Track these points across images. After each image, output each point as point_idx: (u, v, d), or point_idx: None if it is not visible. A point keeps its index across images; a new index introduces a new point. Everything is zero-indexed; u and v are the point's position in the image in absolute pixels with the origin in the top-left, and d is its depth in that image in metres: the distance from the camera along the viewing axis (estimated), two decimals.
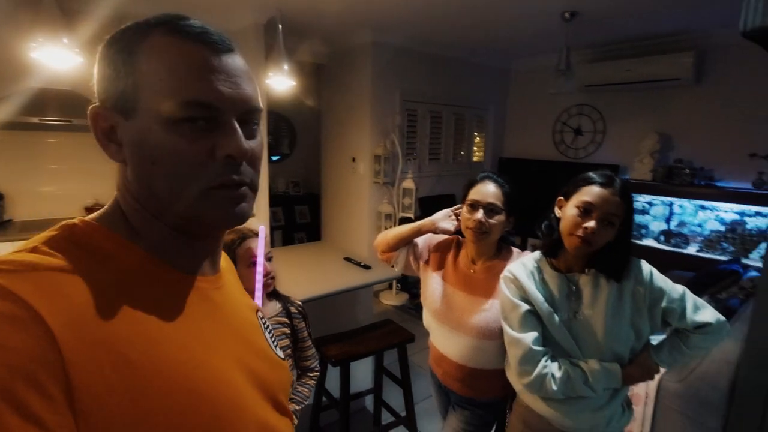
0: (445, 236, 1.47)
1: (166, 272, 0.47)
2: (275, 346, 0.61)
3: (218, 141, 0.44)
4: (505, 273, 1.18)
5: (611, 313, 1.06)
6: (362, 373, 2.23)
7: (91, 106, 0.45)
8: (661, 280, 1.09)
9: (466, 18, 3.14)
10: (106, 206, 0.49)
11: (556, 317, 1.10)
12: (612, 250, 1.07)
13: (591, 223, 1.03)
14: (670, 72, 3.43)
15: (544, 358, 1.08)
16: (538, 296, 1.11)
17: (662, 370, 1.54)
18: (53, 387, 0.33)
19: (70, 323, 0.36)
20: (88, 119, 0.46)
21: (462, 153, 4.77)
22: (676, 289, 1.08)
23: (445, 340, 1.36)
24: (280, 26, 2.58)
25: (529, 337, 1.09)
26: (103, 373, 0.36)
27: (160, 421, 0.38)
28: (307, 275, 2.09)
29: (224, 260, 0.60)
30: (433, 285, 1.40)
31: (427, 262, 1.46)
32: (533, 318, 1.11)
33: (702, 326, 1.05)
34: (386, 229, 3.87)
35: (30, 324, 0.34)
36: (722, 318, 1.06)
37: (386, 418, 2.15)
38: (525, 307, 1.11)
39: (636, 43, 3.69)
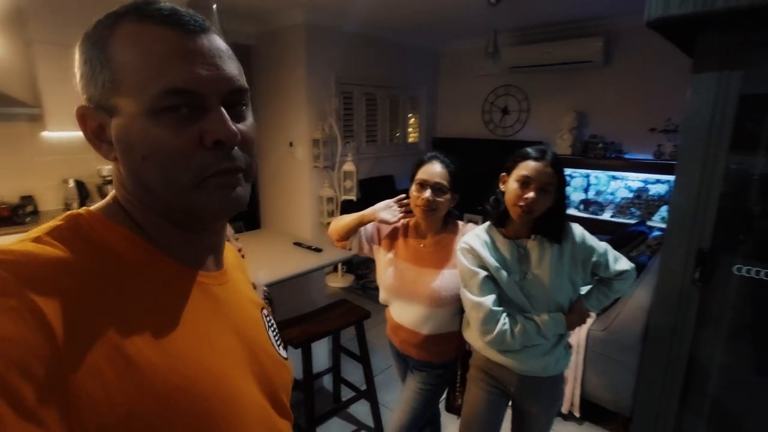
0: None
1: (169, 266, 0.46)
2: (278, 345, 0.60)
3: (205, 127, 0.42)
4: (462, 245, 1.30)
5: (555, 271, 1.22)
6: (319, 353, 2.27)
7: (77, 107, 0.44)
8: (590, 239, 1.28)
9: (398, 0, 3.18)
10: (107, 199, 0.48)
11: (510, 279, 1.24)
12: (551, 216, 1.23)
13: (530, 194, 1.17)
14: (583, 55, 3.75)
15: (503, 317, 1.22)
16: (492, 262, 1.24)
17: (592, 316, 1.75)
18: (48, 380, 0.32)
19: (68, 317, 0.35)
20: (76, 120, 0.44)
21: (398, 134, 4.87)
22: (601, 246, 1.28)
23: (402, 311, 1.45)
24: (215, 6, 2.44)
25: (489, 299, 1.22)
26: (99, 369, 0.35)
27: (155, 419, 0.37)
28: (262, 262, 2.07)
29: (233, 256, 0.59)
30: (386, 264, 1.48)
31: (379, 244, 1.53)
32: (490, 282, 1.24)
33: (621, 273, 1.27)
34: (329, 213, 3.89)
35: (28, 316, 0.33)
36: (633, 265, 1.30)
37: (345, 394, 2.23)
38: (483, 273, 1.24)
39: (554, 27, 3.98)
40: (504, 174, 1.27)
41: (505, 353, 1.27)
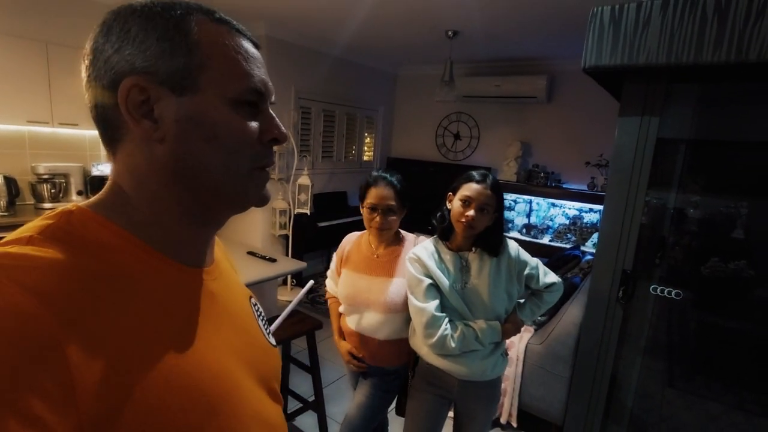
0: (350, 241, 1.62)
1: (164, 264, 0.46)
2: (267, 333, 0.61)
3: (263, 126, 0.48)
4: (410, 255, 1.41)
5: (492, 282, 1.36)
6: None
7: (130, 77, 0.42)
8: (523, 254, 1.44)
9: (359, 24, 3.31)
10: (102, 193, 0.47)
11: (452, 287, 1.36)
12: (490, 232, 1.38)
13: (470, 212, 1.32)
14: (529, 90, 4.07)
15: (444, 322, 1.33)
16: (437, 271, 1.35)
17: (526, 326, 1.89)
18: (54, 387, 0.32)
19: (69, 321, 0.35)
20: (122, 90, 0.42)
21: (353, 152, 4.96)
22: (533, 260, 1.45)
23: (357, 319, 1.52)
24: None
25: (432, 305, 1.33)
26: (101, 371, 0.35)
27: (159, 417, 0.38)
28: None
29: (218, 248, 0.61)
30: (343, 277, 1.56)
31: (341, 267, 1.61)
32: (434, 290, 1.36)
33: (550, 285, 1.43)
34: (282, 225, 3.86)
35: (30, 322, 0.33)
36: (560, 279, 1.46)
37: (292, 406, 2.21)
38: (427, 281, 1.35)
39: (505, 63, 4.29)
40: (450, 193, 1.41)
41: (447, 358, 1.37)
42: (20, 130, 2.90)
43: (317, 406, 1.98)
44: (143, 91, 0.42)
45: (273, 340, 0.62)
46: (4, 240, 0.39)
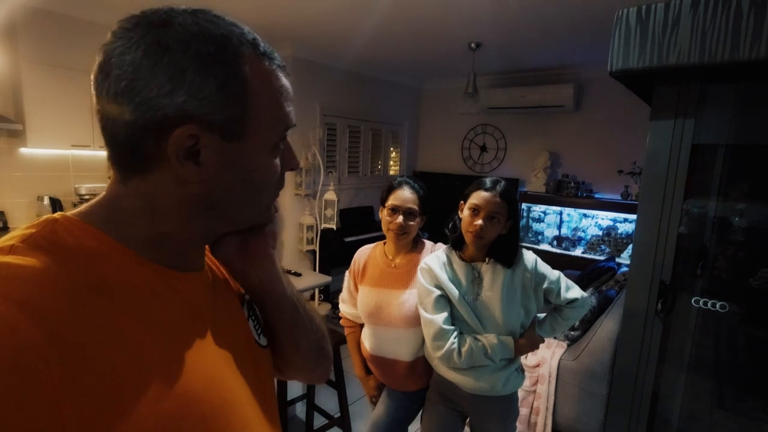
0: (363, 255, 1.58)
1: (153, 271, 0.44)
2: (258, 334, 0.59)
3: (284, 158, 0.50)
4: (422, 265, 1.37)
5: (506, 295, 1.29)
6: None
7: (183, 127, 0.40)
8: (542, 266, 1.35)
9: (382, 41, 3.36)
10: (94, 205, 0.45)
11: (463, 299, 1.30)
12: (504, 242, 1.31)
13: (478, 221, 1.26)
14: (555, 100, 3.99)
15: (453, 335, 1.28)
16: (447, 282, 1.31)
17: (550, 343, 1.80)
18: (38, 404, 0.31)
19: (53, 332, 0.33)
20: (175, 138, 0.40)
21: (379, 167, 4.98)
22: (554, 273, 1.35)
23: (381, 341, 1.47)
24: None
25: (440, 317, 1.29)
26: (89, 382, 0.34)
27: (150, 427, 0.37)
28: None
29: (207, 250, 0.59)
30: (362, 295, 1.52)
31: (357, 284, 1.57)
32: (444, 301, 1.31)
33: (572, 301, 1.33)
34: (309, 241, 3.90)
35: (12, 333, 0.31)
36: (585, 294, 1.36)
37: (318, 422, 2.18)
38: (437, 292, 1.30)
39: (529, 73, 4.24)
40: (462, 202, 1.36)
41: (456, 370, 1.32)
42: (64, 154, 3.08)
43: (342, 422, 1.95)
44: (194, 137, 0.41)
45: (264, 341, 0.60)
46: None
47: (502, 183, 1.31)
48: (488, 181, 1.31)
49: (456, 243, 1.37)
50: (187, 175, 0.42)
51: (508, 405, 1.39)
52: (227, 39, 0.42)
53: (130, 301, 0.40)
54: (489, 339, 1.28)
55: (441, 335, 1.27)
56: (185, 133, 0.40)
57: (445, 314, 1.29)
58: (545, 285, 1.33)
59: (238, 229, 0.52)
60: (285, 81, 0.47)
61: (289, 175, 3.96)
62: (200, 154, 0.42)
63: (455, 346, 1.27)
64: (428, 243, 1.54)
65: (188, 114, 0.40)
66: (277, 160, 0.48)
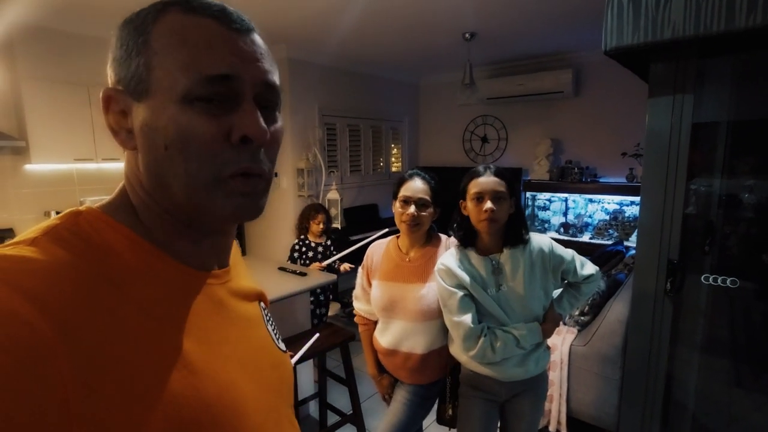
0: (376, 250, 1.57)
1: (173, 269, 0.44)
2: (277, 339, 0.58)
3: (235, 121, 0.41)
4: (439, 266, 1.35)
5: (528, 281, 1.29)
6: (304, 379, 2.25)
7: (105, 88, 0.42)
8: (558, 248, 1.37)
9: (376, 38, 3.34)
10: (113, 195, 0.45)
11: (486, 293, 1.29)
12: (514, 222, 1.32)
13: (488, 205, 1.26)
14: (554, 86, 3.95)
15: (483, 333, 1.28)
16: (468, 279, 1.30)
17: (560, 330, 1.79)
18: (47, 399, 0.30)
19: (66, 328, 0.33)
20: (101, 102, 0.42)
21: (381, 164, 4.97)
22: (569, 253, 1.37)
23: (394, 335, 1.46)
24: None
25: (467, 318, 1.28)
26: (101, 381, 0.33)
27: (160, 428, 0.36)
28: None
29: (234, 250, 0.57)
30: (375, 289, 1.51)
31: (371, 278, 1.56)
32: (468, 300, 1.30)
33: (588, 277, 1.37)
34: None
35: (24, 328, 0.31)
36: (598, 268, 1.39)
37: (332, 420, 2.19)
38: (460, 293, 1.29)
39: (526, 60, 4.20)
40: (462, 201, 1.36)
41: (489, 365, 1.32)
42: (69, 168, 3.10)
43: (355, 419, 1.95)
44: (118, 101, 0.42)
45: (283, 346, 0.59)
46: (10, 241, 0.38)
47: (493, 165, 1.34)
48: (480, 168, 1.33)
49: (466, 239, 1.37)
50: (121, 142, 0.43)
51: (539, 385, 1.42)
52: (159, 3, 0.42)
53: (145, 298, 0.40)
54: (518, 330, 1.29)
55: (471, 335, 1.27)
56: (104, 95, 0.42)
57: (471, 314, 1.29)
58: (563, 266, 1.35)
59: (201, 219, 0.44)
60: (215, 27, 0.41)
61: (291, 177, 3.98)
62: (128, 120, 0.42)
63: (487, 343, 1.27)
64: (443, 236, 1.53)
65: (111, 78, 0.43)
66: (211, 121, 0.40)
